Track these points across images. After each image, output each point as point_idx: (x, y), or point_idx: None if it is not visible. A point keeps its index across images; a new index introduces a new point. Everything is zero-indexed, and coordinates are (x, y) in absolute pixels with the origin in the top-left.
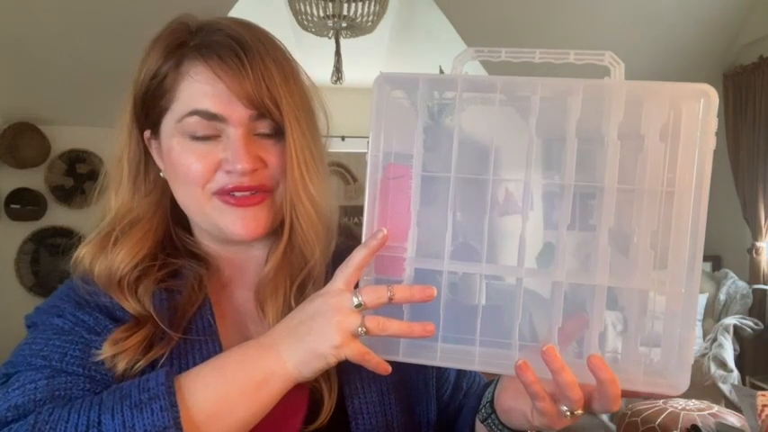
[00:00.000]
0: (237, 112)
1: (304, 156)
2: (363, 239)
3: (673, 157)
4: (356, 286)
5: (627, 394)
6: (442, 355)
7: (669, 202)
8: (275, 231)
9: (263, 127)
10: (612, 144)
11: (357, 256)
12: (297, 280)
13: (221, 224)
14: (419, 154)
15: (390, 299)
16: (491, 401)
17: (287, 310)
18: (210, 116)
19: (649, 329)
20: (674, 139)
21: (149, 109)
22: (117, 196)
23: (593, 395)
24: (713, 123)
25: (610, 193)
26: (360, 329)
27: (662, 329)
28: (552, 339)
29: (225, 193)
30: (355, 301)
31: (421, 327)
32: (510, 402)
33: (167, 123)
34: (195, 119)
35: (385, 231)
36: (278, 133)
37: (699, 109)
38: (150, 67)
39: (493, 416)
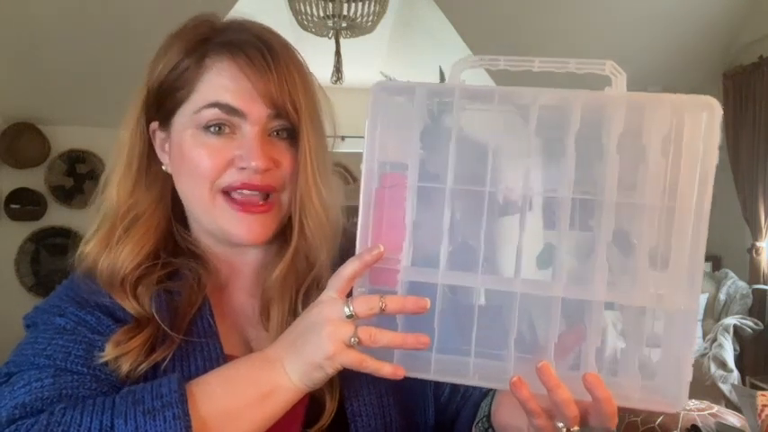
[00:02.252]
0: (257, 110)
1: (317, 159)
2: (357, 249)
3: (674, 171)
4: (350, 295)
5: (624, 410)
6: (437, 368)
7: (670, 216)
8: (274, 236)
9: (279, 128)
10: (612, 157)
11: (349, 267)
12: (303, 287)
13: (225, 226)
14: (415, 164)
15: (383, 309)
16: (488, 416)
17: (292, 316)
18: (230, 110)
19: (647, 345)
20: (677, 152)
21: (163, 100)
22: (119, 187)
23: (590, 411)
24: (716, 137)
25: (609, 207)
26: (353, 340)
27: (660, 346)
28: (548, 354)
29: (232, 191)
30: (347, 311)
31: (414, 338)
32: (507, 419)
33: (182, 115)
34: (214, 111)
35: (381, 248)
36: (291, 136)
37: (702, 121)
38: (170, 60)
39: (490, 430)
